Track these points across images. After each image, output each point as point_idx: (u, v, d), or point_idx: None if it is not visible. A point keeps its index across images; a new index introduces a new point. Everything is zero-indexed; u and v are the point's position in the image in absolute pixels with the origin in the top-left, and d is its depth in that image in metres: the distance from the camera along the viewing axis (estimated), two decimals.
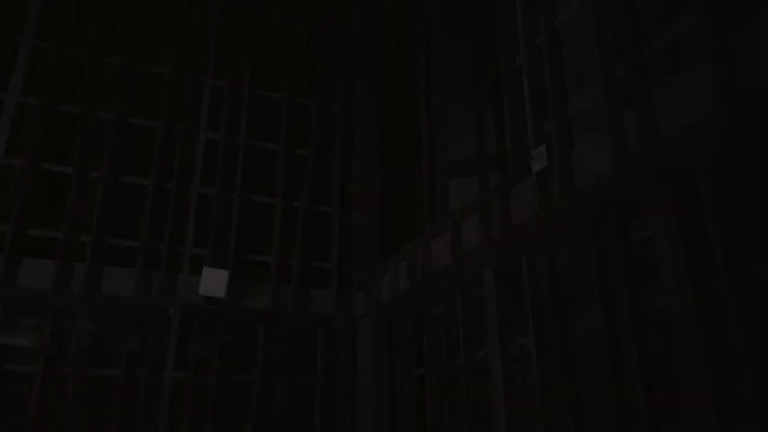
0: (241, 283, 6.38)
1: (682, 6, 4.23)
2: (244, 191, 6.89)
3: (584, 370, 4.60)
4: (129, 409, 5.95)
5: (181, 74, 7.00)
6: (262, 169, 7.18)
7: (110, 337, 6.29)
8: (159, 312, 6.32)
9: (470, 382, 5.17)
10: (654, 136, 3.13)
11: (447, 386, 5.43)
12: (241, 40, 7.42)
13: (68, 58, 6.58)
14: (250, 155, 7.07)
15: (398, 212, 7.75)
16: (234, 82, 7.21)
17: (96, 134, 6.46)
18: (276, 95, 7.45)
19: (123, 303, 6.11)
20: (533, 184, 3.99)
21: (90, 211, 6.13)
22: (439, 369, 5.82)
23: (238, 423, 6.44)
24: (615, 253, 3.88)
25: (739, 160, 3.45)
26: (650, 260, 4.23)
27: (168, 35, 7.10)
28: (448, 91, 7.27)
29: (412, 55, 8.29)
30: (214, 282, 6.02)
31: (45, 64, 6.34)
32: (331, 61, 7.92)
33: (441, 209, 6.68)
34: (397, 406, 6.22)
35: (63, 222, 5.93)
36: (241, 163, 6.91)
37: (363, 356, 6.77)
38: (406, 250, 5.76)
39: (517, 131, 4.50)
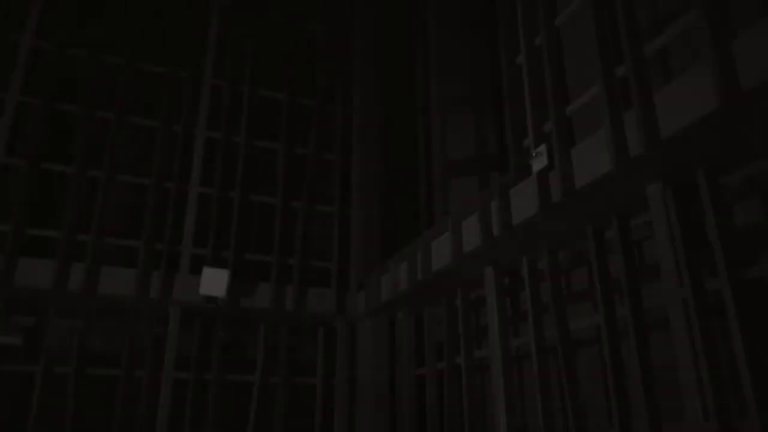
0: (241, 283, 6.38)
1: (683, 5, 4.22)
2: (244, 191, 6.89)
3: (584, 370, 4.60)
4: (129, 409, 5.95)
5: (181, 74, 7.00)
6: (262, 169, 7.18)
7: (109, 337, 6.29)
8: (158, 312, 6.32)
9: (470, 382, 5.17)
10: (655, 136, 3.13)
11: (447, 386, 5.42)
12: (241, 40, 7.42)
13: (68, 58, 6.59)
14: (250, 155, 7.07)
15: (398, 212, 7.75)
16: (234, 82, 7.21)
17: (96, 134, 6.46)
18: (276, 95, 7.45)
19: (122, 302, 6.11)
20: (533, 184, 3.99)
21: (89, 210, 6.13)
22: (439, 369, 5.82)
23: (238, 423, 6.44)
24: (615, 253, 3.88)
25: (740, 160, 3.45)
26: (650, 260, 4.24)
27: (168, 35, 7.10)
28: (448, 90, 7.27)
29: (412, 55, 8.30)
30: (214, 282, 6.02)
31: (45, 64, 6.34)
32: (331, 61, 7.92)
33: (441, 209, 6.68)
34: (397, 407, 6.22)
35: (62, 221, 5.93)
36: (241, 163, 6.91)
37: (363, 356, 6.77)
38: (406, 250, 5.76)
39: (517, 131, 4.50)
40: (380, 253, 7.15)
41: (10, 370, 5.77)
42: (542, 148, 3.95)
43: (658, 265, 3.60)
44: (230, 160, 6.91)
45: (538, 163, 3.95)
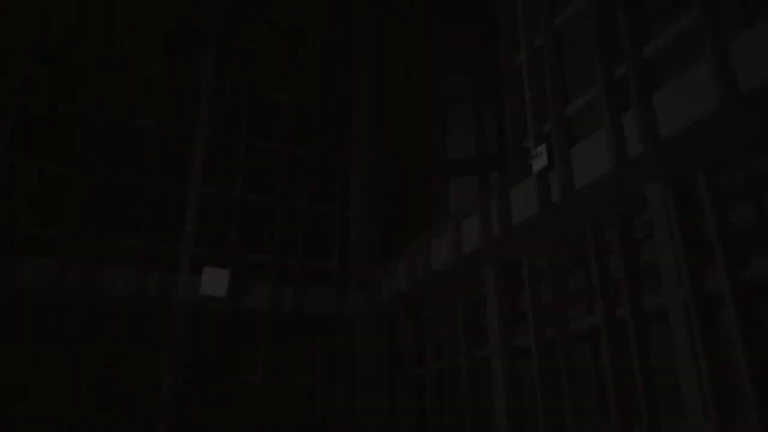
0: (242, 283, 6.38)
1: (683, 6, 4.23)
2: (244, 191, 6.89)
3: (585, 370, 4.60)
4: (129, 409, 5.95)
5: (181, 74, 7.00)
6: (262, 169, 7.18)
7: (110, 337, 6.29)
8: (159, 311, 6.32)
9: (470, 382, 5.17)
10: (654, 136, 3.13)
11: (447, 386, 5.43)
12: (241, 40, 7.42)
13: (68, 59, 6.58)
14: (250, 155, 7.07)
15: (398, 212, 7.75)
16: (234, 82, 7.21)
17: (96, 134, 6.46)
18: (276, 95, 7.44)
19: (123, 302, 6.11)
20: (533, 184, 4.00)
21: (90, 210, 6.13)
22: (439, 369, 5.82)
23: (238, 423, 6.44)
24: (615, 253, 3.89)
25: (739, 160, 3.45)
26: (650, 260, 4.24)
27: (168, 35, 7.10)
28: (448, 91, 7.27)
29: (412, 56, 8.30)
30: (215, 281, 6.02)
31: (45, 65, 6.34)
32: (331, 61, 7.92)
33: (441, 209, 6.68)
34: (397, 406, 6.22)
35: (63, 221, 5.93)
36: (241, 163, 6.91)
37: (363, 356, 6.77)
38: (406, 250, 5.76)
39: (517, 131, 4.50)
40: (380, 253, 7.16)
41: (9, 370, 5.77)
42: (542, 148, 3.95)
43: (658, 265, 3.60)
44: (230, 160, 6.91)
45: (538, 163, 3.95)
